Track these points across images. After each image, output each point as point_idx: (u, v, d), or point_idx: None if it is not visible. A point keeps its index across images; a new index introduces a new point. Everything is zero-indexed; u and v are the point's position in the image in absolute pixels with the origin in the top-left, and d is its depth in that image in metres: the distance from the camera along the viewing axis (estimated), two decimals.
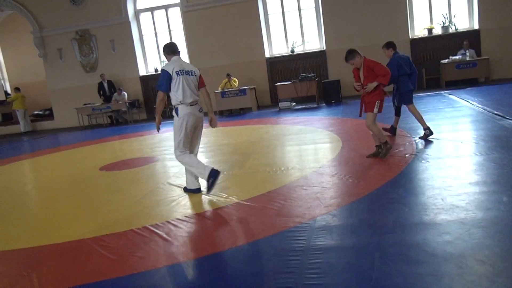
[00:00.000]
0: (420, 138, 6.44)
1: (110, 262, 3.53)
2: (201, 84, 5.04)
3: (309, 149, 6.99)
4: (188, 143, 4.98)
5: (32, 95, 17.75)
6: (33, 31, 15.56)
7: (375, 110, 5.54)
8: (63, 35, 15.43)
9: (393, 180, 4.63)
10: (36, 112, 17.26)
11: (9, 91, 18.60)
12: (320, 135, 7.86)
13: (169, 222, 4.25)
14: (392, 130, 6.94)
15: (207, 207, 4.55)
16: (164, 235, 3.93)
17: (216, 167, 5.66)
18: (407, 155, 5.58)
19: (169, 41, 14.25)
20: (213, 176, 4.82)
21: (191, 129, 4.95)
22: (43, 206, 5.70)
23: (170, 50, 4.96)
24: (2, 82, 18.69)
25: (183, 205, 4.75)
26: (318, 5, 13.61)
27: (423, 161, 5.22)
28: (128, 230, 4.16)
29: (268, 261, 3.21)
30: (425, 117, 8.05)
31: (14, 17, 17.14)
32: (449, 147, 5.86)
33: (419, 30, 13.26)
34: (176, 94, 4.82)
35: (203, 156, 7.28)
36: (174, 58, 4.93)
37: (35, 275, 3.47)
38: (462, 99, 9.63)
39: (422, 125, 6.56)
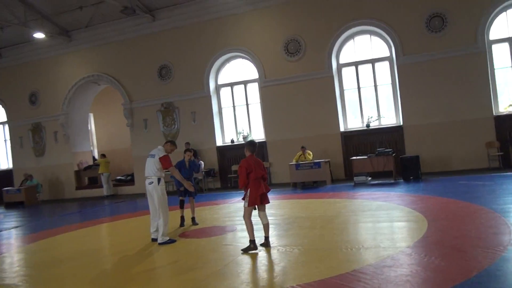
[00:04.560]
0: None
1: None
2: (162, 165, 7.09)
3: (393, 227, 6.68)
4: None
5: (116, 161, 19.00)
6: (124, 103, 17.00)
7: (245, 204, 5.89)
8: (150, 107, 16.66)
9: (493, 267, 4.25)
10: (118, 177, 18.34)
11: (96, 156, 20.09)
12: (401, 212, 7.53)
13: None
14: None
15: (291, 283, 4.41)
16: None
17: (296, 241, 5.60)
18: (505, 239, 5.14)
19: (246, 114, 14.86)
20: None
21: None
22: (127, 269, 5.85)
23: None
24: (92, 148, 20.29)
25: (264, 279, 4.67)
26: (395, 81, 13.66)
27: None
28: None
29: None
30: None
31: (107, 90, 18.94)
32: None
33: (503, 107, 12.74)
34: None
35: (281, 229, 7.21)
36: None
37: None
38: None
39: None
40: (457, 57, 12.64)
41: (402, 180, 11.80)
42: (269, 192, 6.11)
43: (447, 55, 12.71)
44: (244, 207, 5.94)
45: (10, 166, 19.67)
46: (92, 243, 8.06)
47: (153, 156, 7.08)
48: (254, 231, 5.94)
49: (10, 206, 16.79)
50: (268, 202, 6.06)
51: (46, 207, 15.95)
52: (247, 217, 5.90)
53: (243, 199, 5.98)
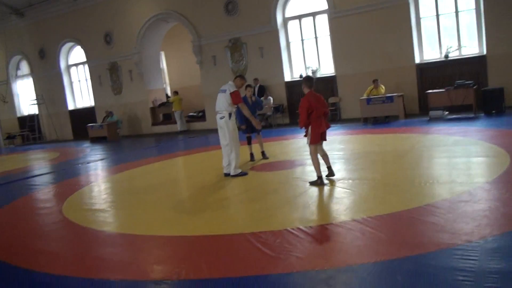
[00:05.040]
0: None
1: (270, 259, 3.67)
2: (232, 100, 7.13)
3: (470, 163, 6.38)
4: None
5: (188, 97, 19.59)
6: (193, 40, 17.16)
7: (308, 141, 5.90)
8: (218, 44, 16.69)
9: None
10: (190, 114, 18.99)
11: (169, 93, 20.83)
12: (481, 147, 7.14)
13: (322, 226, 4.28)
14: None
15: (361, 215, 4.45)
16: (319, 239, 3.97)
17: (366, 176, 5.56)
18: None
19: (315, 47, 14.40)
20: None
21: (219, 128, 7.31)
22: (203, 199, 6.22)
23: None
24: (165, 86, 21.01)
25: (335, 210, 4.75)
26: (479, 6, 12.42)
27: None
28: (283, 230, 4.29)
29: (436, 278, 3.00)
30: None
31: (176, 28, 19.14)
32: None
33: None
34: None
35: (351, 164, 7.19)
36: None
37: (202, 261, 3.80)
38: None
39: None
40: None
41: (483, 114, 11.08)
42: (330, 128, 6.13)
43: None
44: (308, 145, 5.96)
45: (92, 103, 21.01)
46: (170, 175, 8.60)
47: (224, 91, 7.14)
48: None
49: (95, 140, 18.19)
50: (325, 140, 6.05)
51: (126, 141, 17.09)
52: (314, 154, 5.93)
53: (305, 135, 5.99)
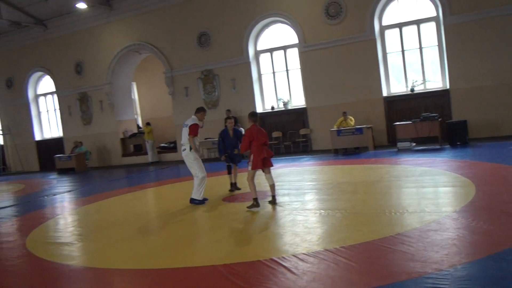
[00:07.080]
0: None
1: None
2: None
3: (438, 192, 6.55)
4: None
5: (160, 128, 19.47)
6: (165, 71, 17.24)
7: (249, 167, 6.60)
8: (190, 75, 16.81)
9: None
10: (162, 145, 18.83)
11: (140, 125, 20.65)
12: (448, 178, 7.34)
13: (295, 256, 4.25)
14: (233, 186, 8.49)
15: (334, 245, 4.46)
16: (292, 269, 3.93)
17: (337, 206, 5.58)
18: None
19: (286, 80, 14.70)
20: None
21: None
22: (174, 231, 6.09)
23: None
24: (136, 116, 20.84)
25: (308, 240, 4.73)
26: (442, 43, 13.04)
27: None
28: (256, 261, 4.25)
29: None
30: None
31: (149, 59, 19.21)
32: None
33: None
34: None
35: (323, 194, 7.24)
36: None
37: None
38: None
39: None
40: (510, 16, 11.86)
41: (448, 146, 11.46)
42: (272, 156, 6.88)
43: (499, 13, 11.94)
44: (248, 170, 6.64)
45: (61, 134, 20.55)
46: (139, 207, 8.41)
47: (186, 125, 7.51)
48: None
49: (62, 172, 17.71)
50: (272, 165, 6.81)
51: (95, 173, 16.69)
52: (250, 179, 6.63)
53: (248, 163, 6.66)
